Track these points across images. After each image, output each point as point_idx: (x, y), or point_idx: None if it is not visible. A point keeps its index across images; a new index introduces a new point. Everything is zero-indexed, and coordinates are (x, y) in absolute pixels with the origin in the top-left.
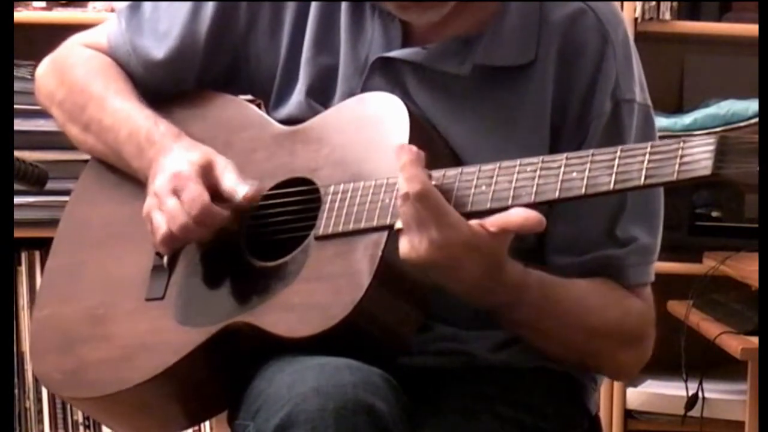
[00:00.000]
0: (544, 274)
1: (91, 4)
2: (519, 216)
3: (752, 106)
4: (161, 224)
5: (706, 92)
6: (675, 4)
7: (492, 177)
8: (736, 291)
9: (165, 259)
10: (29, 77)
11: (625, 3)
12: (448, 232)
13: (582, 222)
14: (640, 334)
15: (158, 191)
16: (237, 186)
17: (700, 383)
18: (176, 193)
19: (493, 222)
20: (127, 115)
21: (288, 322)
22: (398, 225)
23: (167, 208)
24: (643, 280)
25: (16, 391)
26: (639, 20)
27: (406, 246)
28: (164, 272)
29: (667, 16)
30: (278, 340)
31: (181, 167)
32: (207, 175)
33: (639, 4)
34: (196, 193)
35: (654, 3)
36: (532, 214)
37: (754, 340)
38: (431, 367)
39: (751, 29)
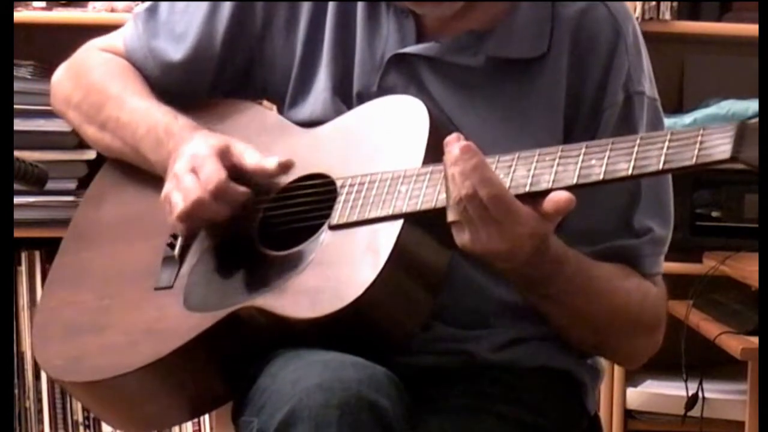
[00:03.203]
0: (578, 252)
1: (91, 4)
2: (567, 197)
3: (752, 106)
4: (179, 202)
5: (706, 92)
6: (675, 4)
7: (511, 166)
8: (736, 291)
9: (176, 250)
10: (29, 77)
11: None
12: (518, 227)
13: (597, 213)
14: (656, 320)
15: (177, 172)
16: (263, 160)
17: (700, 383)
18: (194, 171)
19: (548, 207)
20: (145, 112)
21: (298, 304)
22: (452, 218)
23: (184, 185)
24: (656, 270)
25: (16, 391)
26: (639, 20)
27: (467, 238)
28: (174, 263)
29: (667, 16)
30: (287, 325)
31: (199, 149)
32: (225, 156)
33: (639, 4)
34: (213, 169)
35: (654, 3)
36: (567, 194)
37: (754, 340)
38: (432, 367)
39: (751, 29)
